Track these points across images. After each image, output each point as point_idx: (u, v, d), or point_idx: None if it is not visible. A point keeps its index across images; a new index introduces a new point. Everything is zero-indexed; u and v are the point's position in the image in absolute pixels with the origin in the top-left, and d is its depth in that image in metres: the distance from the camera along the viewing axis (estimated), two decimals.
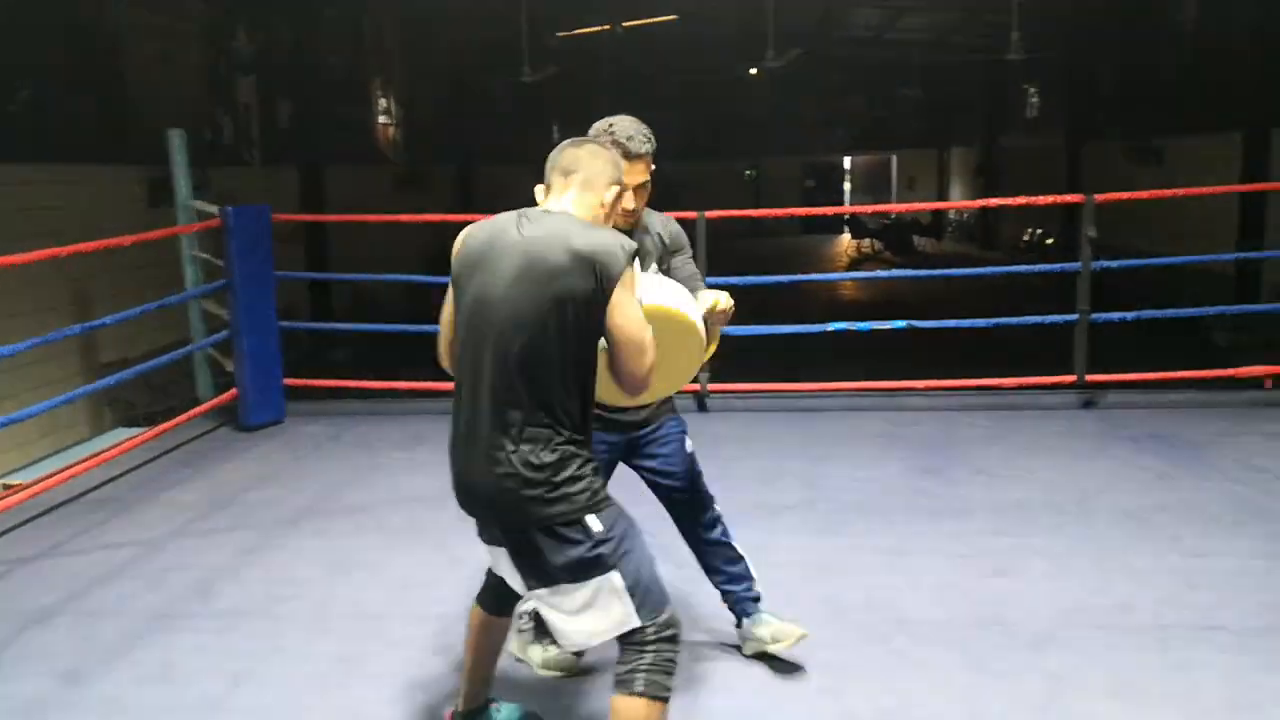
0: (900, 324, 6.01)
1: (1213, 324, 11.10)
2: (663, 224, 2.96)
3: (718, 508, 3.05)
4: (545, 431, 2.22)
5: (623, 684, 2.27)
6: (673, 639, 2.30)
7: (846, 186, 33.70)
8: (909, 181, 31.26)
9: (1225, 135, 12.64)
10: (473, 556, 3.91)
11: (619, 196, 2.40)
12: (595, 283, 2.19)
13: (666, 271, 2.89)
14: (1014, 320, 6.00)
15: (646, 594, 2.29)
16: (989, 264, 16.40)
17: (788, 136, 27.69)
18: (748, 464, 4.83)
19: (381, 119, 17.14)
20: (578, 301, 2.19)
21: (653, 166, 2.78)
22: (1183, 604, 3.37)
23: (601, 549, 2.24)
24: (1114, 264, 5.80)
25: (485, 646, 2.67)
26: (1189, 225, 11.74)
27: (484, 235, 2.33)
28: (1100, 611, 3.36)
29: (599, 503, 2.27)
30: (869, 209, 25.97)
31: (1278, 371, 5.76)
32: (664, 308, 2.47)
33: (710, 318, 2.68)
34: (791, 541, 3.95)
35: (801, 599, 3.41)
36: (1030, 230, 20.82)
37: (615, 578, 2.25)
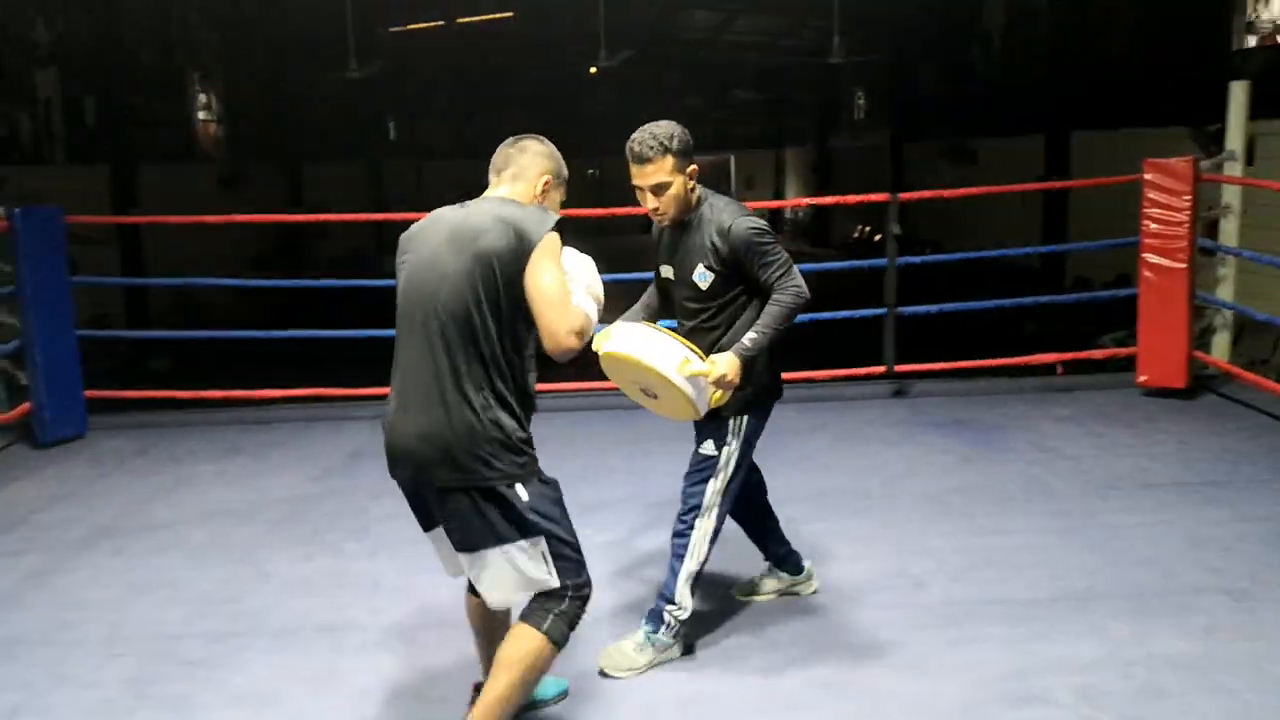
0: None
1: (1023, 315, 11.78)
2: (724, 226, 2.90)
3: (691, 518, 3.04)
4: (477, 397, 2.35)
5: (530, 615, 2.47)
6: (585, 600, 2.52)
7: None
8: (747, 181, 31.99)
9: (1031, 137, 13.44)
10: (282, 570, 3.84)
11: (550, 185, 2.55)
12: (516, 243, 2.34)
13: (734, 274, 2.91)
14: (828, 315, 6.19)
15: (567, 559, 2.47)
16: (821, 260, 16.96)
17: (628, 136, 27.86)
18: (573, 463, 4.84)
19: (200, 115, 16.40)
20: (501, 261, 2.34)
21: (690, 167, 2.91)
22: (972, 580, 3.56)
23: (529, 515, 2.40)
24: (917, 259, 6.09)
25: (483, 625, 2.74)
26: (1001, 223, 12.44)
27: (420, 224, 2.52)
28: (897, 590, 3.51)
29: (530, 473, 2.42)
30: None
31: (1068, 358, 6.15)
32: (624, 355, 2.75)
33: (699, 378, 2.75)
34: (614, 537, 3.99)
35: (625, 591, 3.50)
36: (860, 228, 21.65)
37: (541, 543, 2.42)
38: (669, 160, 2.88)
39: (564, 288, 2.37)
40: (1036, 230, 12.70)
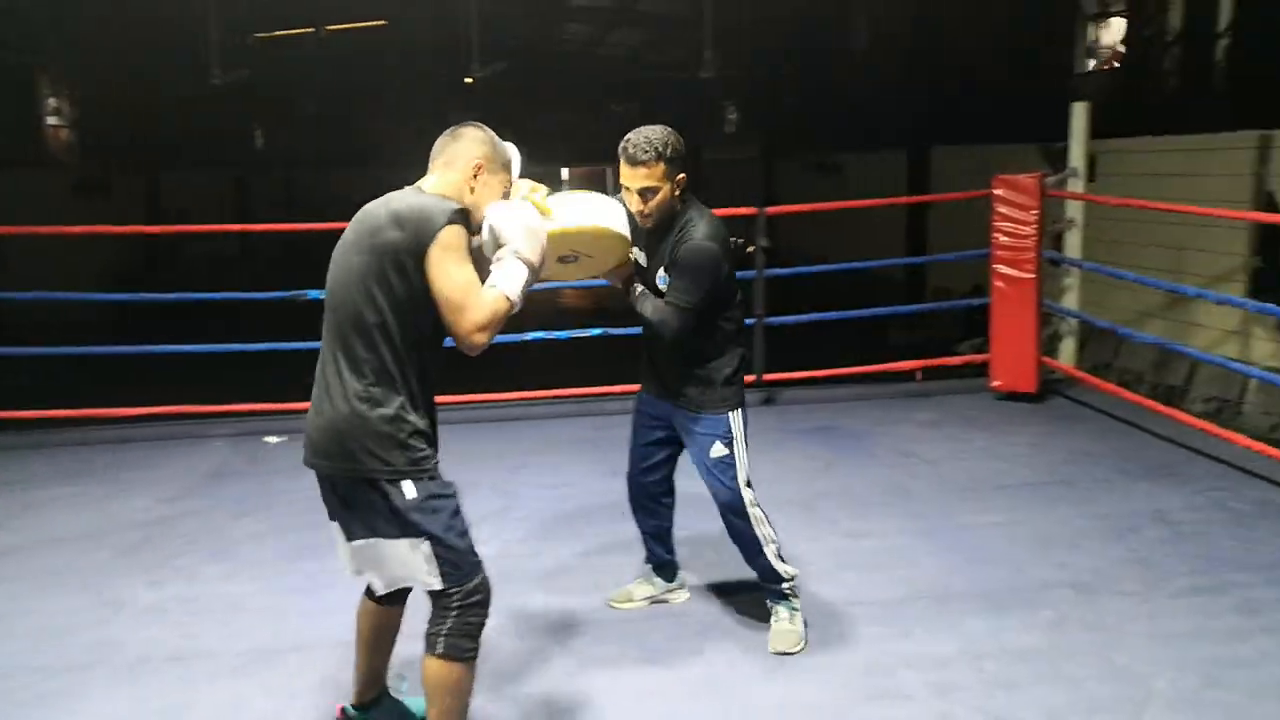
0: (596, 331, 6.15)
1: (889, 324, 12.17)
2: (688, 237, 2.98)
3: (745, 520, 3.18)
4: (376, 390, 2.37)
5: (428, 645, 2.44)
6: (478, 605, 2.45)
7: None
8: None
9: (894, 152, 13.92)
10: (132, 598, 3.66)
11: (482, 170, 2.49)
12: (411, 240, 2.32)
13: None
14: None
15: (454, 564, 2.42)
16: None
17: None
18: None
19: (50, 120, 15.60)
20: (398, 256, 2.32)
21: (679, 176, 2.98)
22: (835, 582, 3.64)
23: (412, 515, 2.38)
24: (784, 271, 6.23)
25: (371, 636, 2.69)
26: (867, 235, 12.83)
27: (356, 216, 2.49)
28: (763, 594, 3.57)
29: (423, 470, 2.40)
30: None
31: (926, 365, 6.38)
32: (575, 229, 2.76)
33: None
34: (485, 551, 3.93)
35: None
36: (733, 240, 21.98)
37: (424, 545, 2.39)
38: (660, 167, 2.94)
39: (465, 286, 2.33)
40: (901, 242, 13.15)
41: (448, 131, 2.56)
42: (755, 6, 14.27)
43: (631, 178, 2.96)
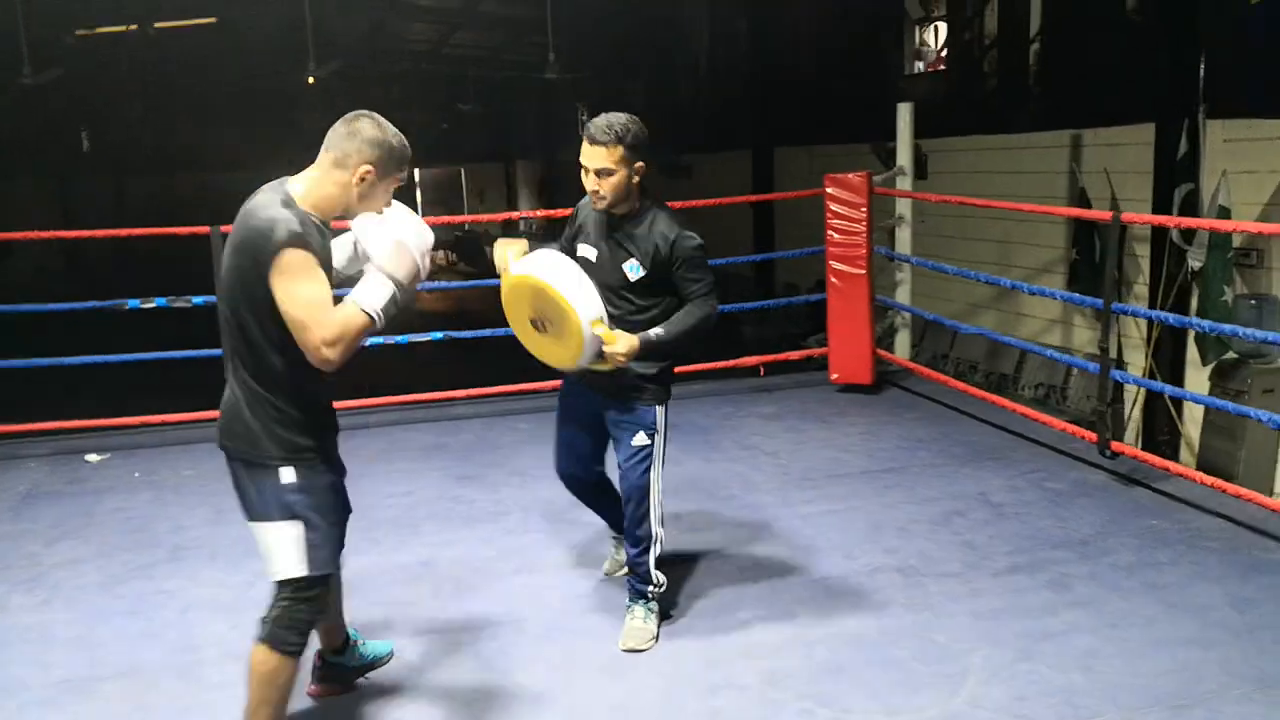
0: (439, 335, 6.07)
1: (743, 319, 12.42)
2: (670, 235, 3.10)
3: (644, 509, 3.24)
4: (253, 383, 2.48)
5: (258, 630, 2.54)
6: (308, 600, 2.53)
7: (418, 197, 33.66)
8: (480, 194, 31.87)
9: (739, 153, 14.20)
10: None
11: (370, 176, 2.48)
12: (251, 261, 2.38)
13: (664, 279, 3.11)
14: None
15: (302, 556, 2.51)
16: None
17: None
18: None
19: None
20: (244, 273, 2.40)
21: (638, 164, 3.07)
22: (674, 578, 3.67)
23: (289, 497, 2.49)
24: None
25: None
26: (717, 234, 13.05)
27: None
28: (604, 596, 3.59)
29: (300, 460, 2.51)
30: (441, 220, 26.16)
31: (768, 360, 6.53)
32: (546, 284, 2.87)
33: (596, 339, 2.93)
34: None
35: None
36: None
37: (297, 527, 2.50)
38: (618, 150, 3.04)
39: (306, 304, 2.37)
40: (750, 240, 13.43)
41: (347, 118, 2.52)
42: (597, 10, 14.33)
43: (589, 156, 3.07)
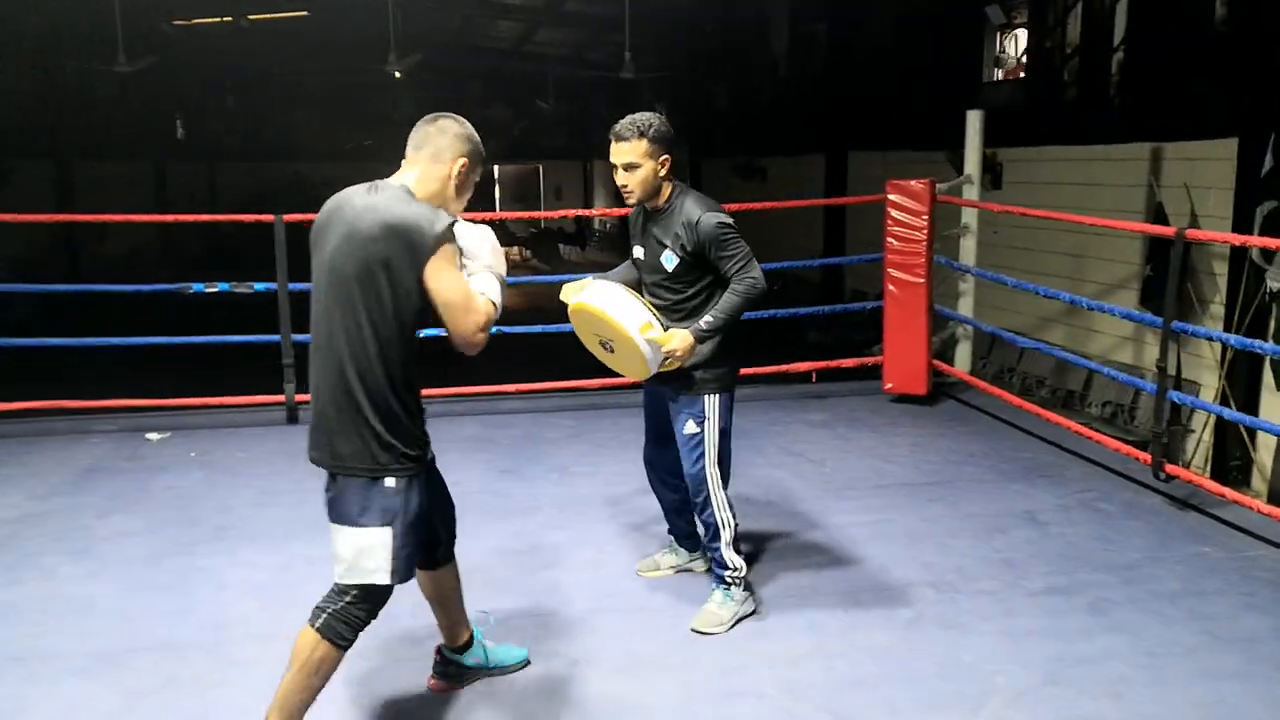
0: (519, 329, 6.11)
1: (808, 324, 12.30)
2: (693, 219, 3.16)
3: (704, 497, 3.33)
4: (363, 384, 2.45)
5: (312, 616, 2.53)
6: (368, 600, 2.53)
7: (496, 194, 34.03)
8: (557, 191, 32.08)
9: (813, 156, 14.07)
10: None
11: (465, 169, 2.57)
12: (407, 254, 2.40)
13: (701, 262, 3.18)
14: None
15: (387, 564, 2.50)
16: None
17: None
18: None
19: None
20: (390, 268, 2.40)
21: (664, 157, 3.17)
22: (700, 585, 3.65)
23: (388, 502, 2.49)
24: None
25: (435, 594, 2.89)
26: (789, 237, 12.96)
27: (331, 206, 2.55)
28: (628, 596, 3.59)
29: (404, 469, 2.51)
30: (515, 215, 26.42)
31: (823, 367, 6.45)
32: (594, 309, 3.06)
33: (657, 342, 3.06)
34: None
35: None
36: None
37: (381, 533, 2.49)
38: (643, 144, 3.14)
39: (465, 291, 2.46)
40: (820, 244, 13.30)
41: (428, 120, 2.61)
42: (677, 11, 14.32)
43: (616, 153, 3.17)
